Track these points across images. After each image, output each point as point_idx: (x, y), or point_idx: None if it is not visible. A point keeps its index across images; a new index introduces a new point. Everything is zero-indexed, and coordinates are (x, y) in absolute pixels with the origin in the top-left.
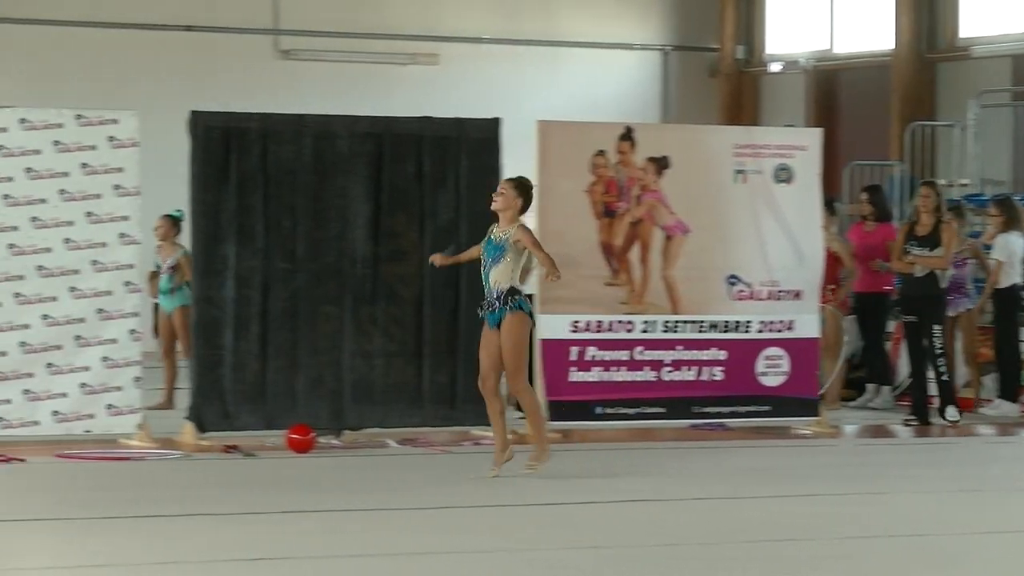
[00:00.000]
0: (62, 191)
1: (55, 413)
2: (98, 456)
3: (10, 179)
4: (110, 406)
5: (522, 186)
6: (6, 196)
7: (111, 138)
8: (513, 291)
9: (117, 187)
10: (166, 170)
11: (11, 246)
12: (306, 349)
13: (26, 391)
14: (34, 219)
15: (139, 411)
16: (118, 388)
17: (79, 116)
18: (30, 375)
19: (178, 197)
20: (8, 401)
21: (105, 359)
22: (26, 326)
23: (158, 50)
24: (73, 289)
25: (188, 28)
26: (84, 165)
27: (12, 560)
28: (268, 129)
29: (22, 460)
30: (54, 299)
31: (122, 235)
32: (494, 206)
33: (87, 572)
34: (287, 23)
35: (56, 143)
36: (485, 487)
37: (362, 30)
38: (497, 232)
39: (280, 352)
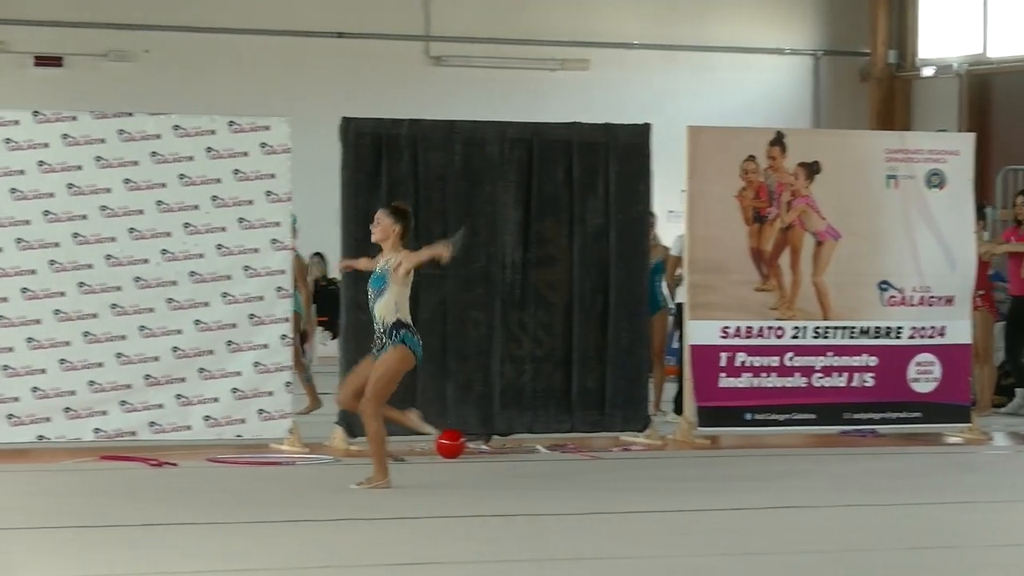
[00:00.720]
0: (214, 197)
1: (206, 418)
2: (249, 461)
3: (163, 185)
4: (261, 411)
5: (397, 212)
6: (159, 202)
7: (263, 144)
8: (399, 324)
9: (269, 193)
10: (317, 176)
11: (164, 252)
12: (456, 355)
13: (178, 396)
14: (186, 225)
15: (290, 416)
16: (269, 393)
17: (231, 123)
18: (182, 380)
19: (329, 203)
20: (160, 406)
21: (256, 364)
22: (178, 331)
23: (310, 57)
24: (225, 295)
25: (340, 35)
26: (236, 171)
27: (167, 564)
28: (418, 135)
29: (174, 464)
30: (206, 304)
31: (273, 241)
32: (373, 238)
33: None
34: (438, 30)
35: (209, 149)
36: (633, 493)
37: (512, 36)
38: (380, 263)
39: (429, 357)
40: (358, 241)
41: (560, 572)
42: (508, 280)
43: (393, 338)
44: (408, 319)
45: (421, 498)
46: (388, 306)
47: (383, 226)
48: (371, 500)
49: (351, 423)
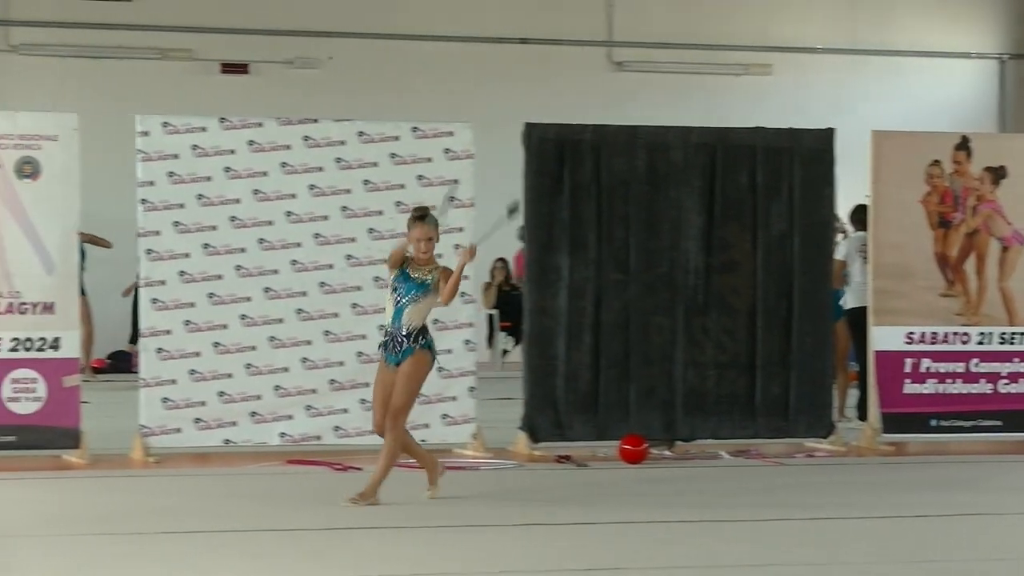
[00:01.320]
0: (398, 203)
1: None
2: None
3: (348, 191)
4: (445, 416)
5: (434, 219)
6: (344, 208)
7: (447, 150)
8: (424, 330)
9: (452, 199)
10: (499, 182)
11: (348, 257)
12: (638, 360)
13: (363, 400)
14: (371, 230)
15: (473, 421)
16: (452, 398)
17: (415, 128)
18: (366, 384)
19: None
20: (345, 410)
21: (440, 369)
22: (363, 336)
23: (493, 62)
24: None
25: (523, 41)
26: (420, 177)
27: (349, 569)
28: (601, 141)
29: (359, 469)
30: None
31: (457, 246)
32: (423, 258)
33: None
34: (621, 35)
35: (393, 155)
36: (816, 498)
37: (695, 41)
38: (417, 271)
39: (612, 363)
40: (541, 246)
41: None
42: (691, 285)
43: (419, 342)
44: (427, 325)
45: (603, 505)
46: (420, 313)
47: (434, 243)
48: (549, 506)
49: (535, 428)
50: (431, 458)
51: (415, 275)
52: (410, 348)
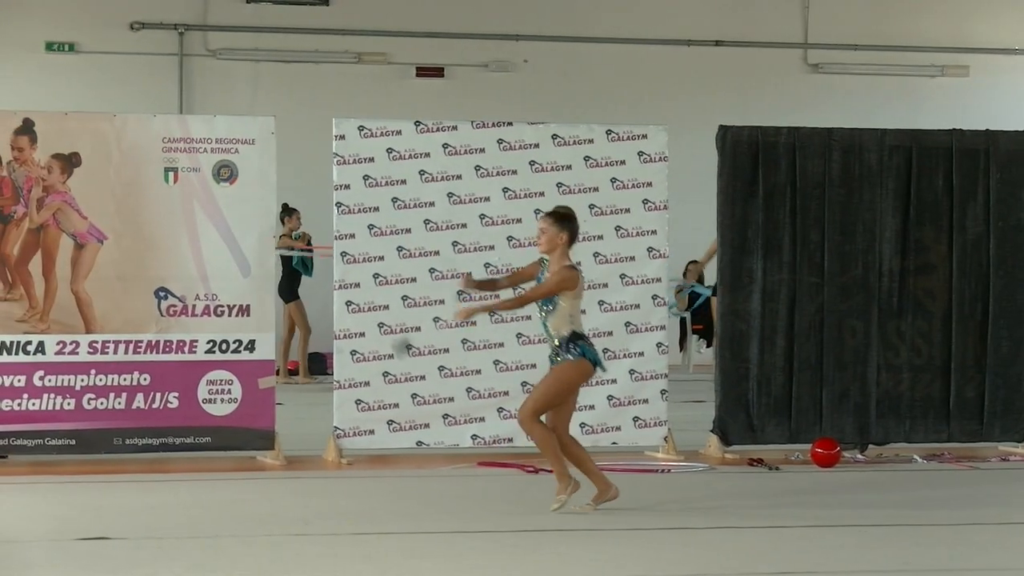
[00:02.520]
0: (591, 206)
1: (582, 425)
2: (624, 468)
3: (541, 194)
4: (636, 419)
5: (563, 218)
6: (538, 211)
7: (640, 153)
8: (576, 335)
9: (646, 201)
10: (692, 184)
11: (542, 260)
12: (832, 363)
13: None
14: None
15: (665, 424)
16: (644, 401)
17: (609, 131)
18: None
19: (702, 212)
20: None
21: (632, 372)
22: None
23: (687, 65)
24: (602, 303)
25: (717, 43)
26: (613, 180)
27: (544, 571)
28: (796, 143)
29: (550, 471)
30: (583, 312)
31: (650, 249)
32: (540, 250)
33: None
34: (816, 37)
35: (586, 158)
36: (1008, 502)
37: (891, 43)
38: (547, 275)
39: (806, 366)
40: (734, 249)
41: None
42: (886, 288)
43: (571, 351)
44: (582, 329)
45: (796, 508)
46: (562, 319)
47: (549, 235)
48: (741, 509)
49: (727, 431)
50: (567, 473)
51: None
52: (564, 357)
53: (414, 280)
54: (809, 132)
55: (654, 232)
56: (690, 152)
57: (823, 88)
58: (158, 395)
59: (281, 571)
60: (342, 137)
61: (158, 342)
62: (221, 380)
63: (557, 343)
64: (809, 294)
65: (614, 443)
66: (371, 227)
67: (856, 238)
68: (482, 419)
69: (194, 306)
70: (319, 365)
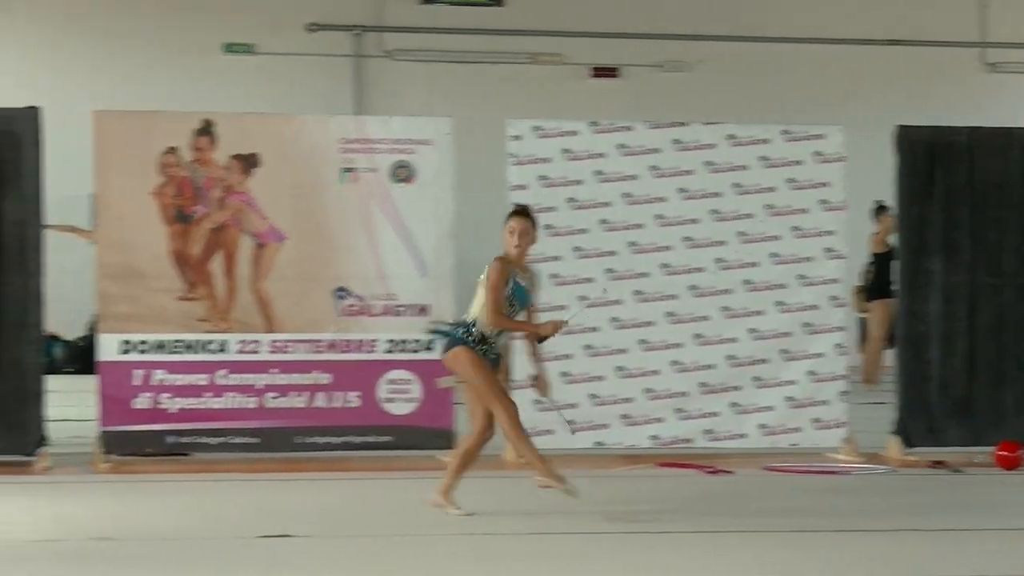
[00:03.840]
0: (768, 206)
1: (761, 426)
2: (805, 470)
3: (717, 194)
4: (816, 420)
5: (531, 215)
6: (714, 211)
7: (817, 153)
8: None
9: (823, 202)
10: (869, 185)
11: (718, 260)
12: (1013, 364)
13: (733, 404)
14: (741, 234)
15: (845, 425)
16: (824, 402)
17: (785, 131)
18: (737, 388)
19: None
20: (716, 414)
21: (811, 373)
22: (733, 340)
23: (864, 64)
24: (779, 303)
25: (893, 42)
26: (790, 180)
27: (720, 571)
28: (975, 143)
29: (730, 472)
30: (760, 313)
31: (828, 250)
32: (519, 251)
33: None
34: (994, 35)
35: (763, 158)
36: None
37: None
38: (524, 276)
39: (987, 367)
40: (913, 250)
41: None
42: None
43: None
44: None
45: (978, 512)
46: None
47: (532, 236)
48: (922, 512)
49: (908, 432)
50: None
51: (524, 282)
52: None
53: (591, 280)
54: (988, 132)
55: (831, 232)
56: (866, 152)
57: (1001, 88)
58: (338, 394)
59: (460, 569)
60: (518, 137)
61: (338, 342)
62: (400, 379)
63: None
64: (988, 295)
65: (793, 444)
66: (548, 227)
67: None
68: (661, 420)
69: (373, 306)
70: None
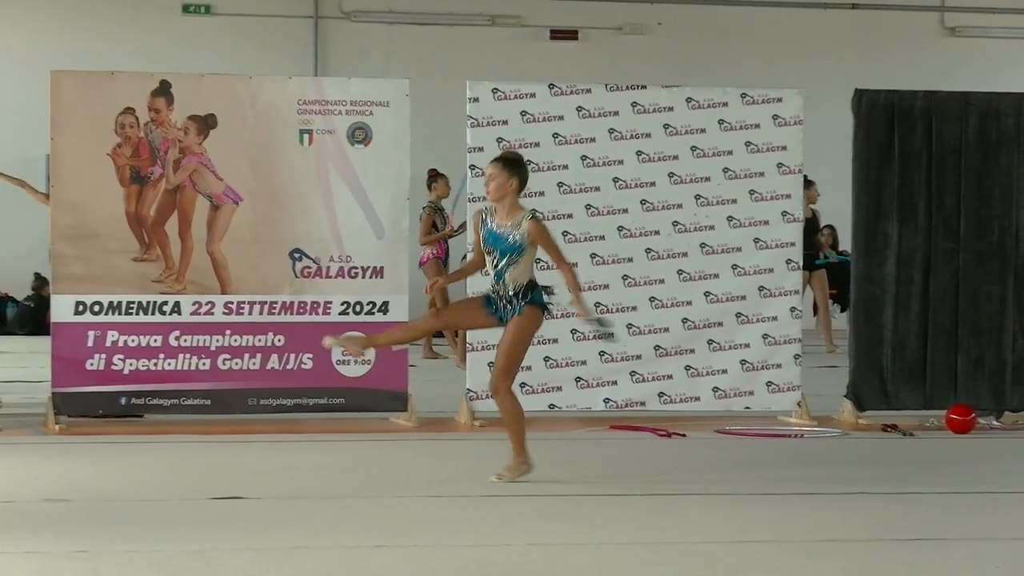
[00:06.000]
0: (726, 169)
1: (715, 389)
2: (757, 433)
3: (675, 157)
4: (769, 383)
5: (511, 163)
6: (671, 174)
7: (775, 116)
8: (532, 284)
9: (780, 165)
10: (827, 148)
11: (675, 224)
12: (967, 329)
13: (687, 367)
14: (697, 197)
15: (798, 389)
16: (778, 366)
17: (744, 95)
18: (691, 351)
19: (839, 175)
20: (670, 377)
21: (765, 336)
22: (688, 303)
23: (823, 28)
24: (735, 267)
25: (854, 6)
26: (748, 144)
27: (674, 533)
28: (933, 107)
29: (683, 435)
30: (716, 276)
31: (784, 213)
32: (489, 197)
33: (748, 547)
34: (953, 0)
35: (721, 122)
36: None
37: None
38: (502, 224)
39: (941, 332)
40: (869, 213)
41: None
42: (1022, 253)
43: (527, 299)
44: (535, 276)
45: (928, 474)
46: (524, 272)
47: (499, 182)
48: (874, 475)
49: (861, 396)
50: (525, 448)
51: (500, 229)
52: (519, 307)
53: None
54: (946, 96)
55: (788, 196)
56: (825, 116)
57: (960, 52)
58: (292, 356)
59: (414, 532)
60: (476, 100)
61: (292, 303)
62: None
63: (512, 293)
64: (944, 259)
65: (747, 408)
66: None
67: (992, 203)
68: (615, 383)
69: (328, 268)
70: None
